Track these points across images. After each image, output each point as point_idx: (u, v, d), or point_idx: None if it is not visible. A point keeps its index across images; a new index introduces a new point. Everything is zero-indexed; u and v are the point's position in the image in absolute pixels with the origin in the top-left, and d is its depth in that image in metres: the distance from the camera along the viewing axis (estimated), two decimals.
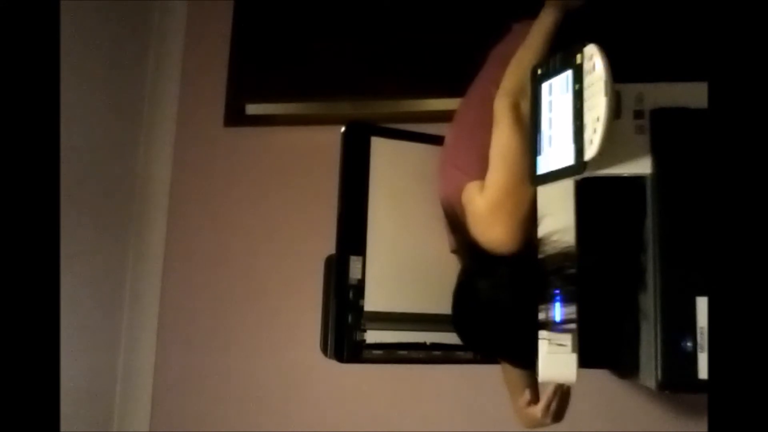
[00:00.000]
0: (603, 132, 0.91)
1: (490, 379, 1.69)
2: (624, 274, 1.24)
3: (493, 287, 1.12)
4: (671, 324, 1.04)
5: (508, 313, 1.10)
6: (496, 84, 1.14)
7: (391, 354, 1.35)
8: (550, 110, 1.04)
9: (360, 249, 1.33)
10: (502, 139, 1.08)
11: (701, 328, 1.02)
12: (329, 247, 1.36)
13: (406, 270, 1.39)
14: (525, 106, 1.07)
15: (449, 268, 1.41)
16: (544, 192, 1.16)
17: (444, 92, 1.78)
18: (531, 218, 1.08)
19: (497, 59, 1.25)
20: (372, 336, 1.33)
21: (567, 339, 1.14)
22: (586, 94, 0.96)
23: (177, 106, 2.04)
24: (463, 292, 1.19)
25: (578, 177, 1.01)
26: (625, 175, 1.10)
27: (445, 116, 1.63)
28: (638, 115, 1.09)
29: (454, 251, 1.29)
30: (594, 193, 1.18)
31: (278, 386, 1.86)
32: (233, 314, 1.91)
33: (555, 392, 1.18)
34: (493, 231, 1.10)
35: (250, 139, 1.98)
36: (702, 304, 1.01)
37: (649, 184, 1.11)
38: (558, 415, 1.20)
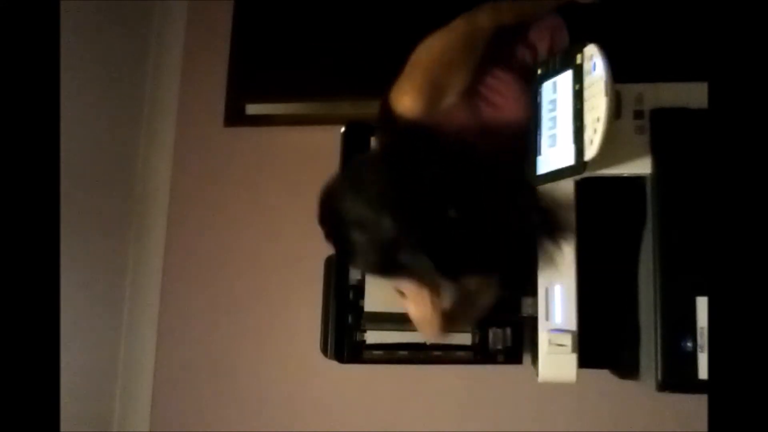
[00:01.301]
0: (603, 132, 0.91)
1: (490, 379, 1.70)
2: (624, 275, 1.24)
3: (382, 161, 0.99)
4: (671, 324, 1.04)
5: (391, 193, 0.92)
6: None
7: (391, 354, 1.35)
8: (550, 110, 1.04)
9: None
10: (452, 24, 1.10)
11: (701, 328, 1.02)
12: (329, 248, 1.36)
13: None
14: (486, 16, 1.09)
15: None
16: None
17: None
18: (444, 94, 1.05)
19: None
20: (372, 336, 1.33)
21: (567, 339, 1.14)
22: (586, 94, 0.96)
23: (177, 106, 2.04)
24: (348, 169, 1.05)
25: (578, 177, 1.01)
26: (625, 175, 1.10)
27: None
28: (638, 115, 1.09)
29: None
30: (594, 193, 1.18)
31: (278, 386, 1.86)
32: (233, 314, 1.91)
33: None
34: (402, 91, 1.04)
35: (250, 139, 1.98)
36: (702, 304, 1.02)
37: (649, 184, 1.11)
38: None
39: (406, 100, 1.02)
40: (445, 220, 0.92)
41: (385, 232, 0.91)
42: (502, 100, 1.11)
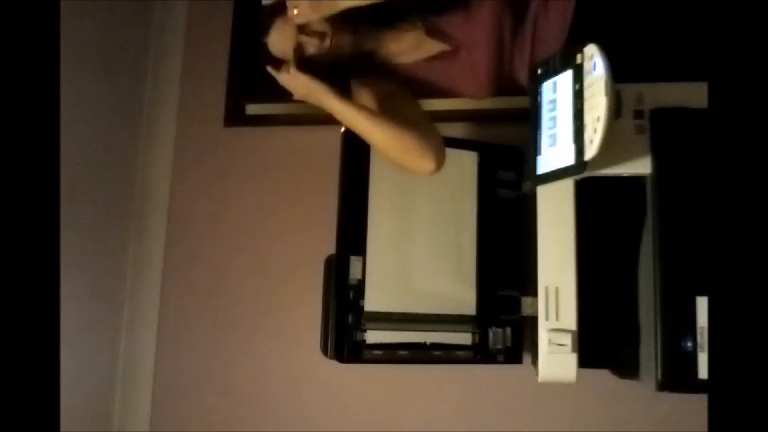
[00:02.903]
0: (603, 132, 0.91)
1: (490, 379, 1.70)
2: (624, 274, 1.24)
3: None
4: (671, 324, 1.04)
5: None
6: None
7: (391, 354, 1.35)
8: (550, 110, 1.04)
9: (360, 249, 1.33)
10: None
11: (701, 328, 1.02)
12: (329, 247, 1.36)
13: (407, 270, 1.39)
14: None
15: (449, 268, 1.42)
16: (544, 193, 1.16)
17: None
18: None
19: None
20: (372, 336, 1.33)
21: (567, 339, 1.14)
22: (586, 94, 0.96)
23: (177, 106, 2.04)
24: None
25: (578, 177, 1.01)
26: (625, 175, 1.10)
27: (446, 116, 1.64)
28: (638, 115, 1.09)
29: None
30: (594, 193, 1.18)
31: (279, 386, 1.86)
32: (233, 314, 1.91)
33: None
34: None
35: (250, 139, 1.98)
36: (702, 304, 1.02)
37: (649, 184, 1.11)
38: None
39: None
40: None
41: None
42: None
